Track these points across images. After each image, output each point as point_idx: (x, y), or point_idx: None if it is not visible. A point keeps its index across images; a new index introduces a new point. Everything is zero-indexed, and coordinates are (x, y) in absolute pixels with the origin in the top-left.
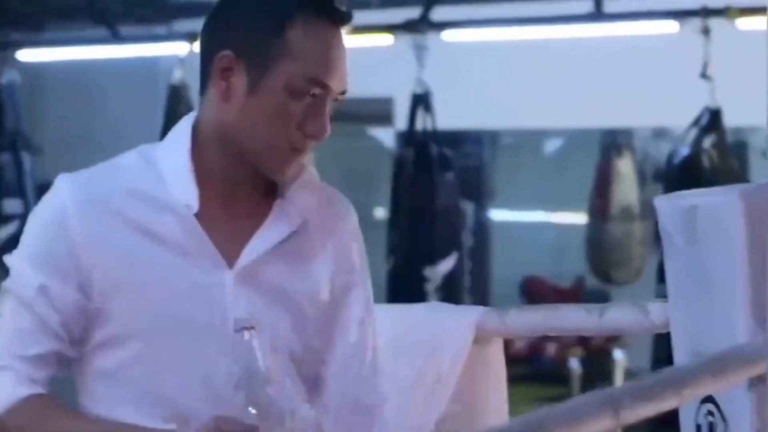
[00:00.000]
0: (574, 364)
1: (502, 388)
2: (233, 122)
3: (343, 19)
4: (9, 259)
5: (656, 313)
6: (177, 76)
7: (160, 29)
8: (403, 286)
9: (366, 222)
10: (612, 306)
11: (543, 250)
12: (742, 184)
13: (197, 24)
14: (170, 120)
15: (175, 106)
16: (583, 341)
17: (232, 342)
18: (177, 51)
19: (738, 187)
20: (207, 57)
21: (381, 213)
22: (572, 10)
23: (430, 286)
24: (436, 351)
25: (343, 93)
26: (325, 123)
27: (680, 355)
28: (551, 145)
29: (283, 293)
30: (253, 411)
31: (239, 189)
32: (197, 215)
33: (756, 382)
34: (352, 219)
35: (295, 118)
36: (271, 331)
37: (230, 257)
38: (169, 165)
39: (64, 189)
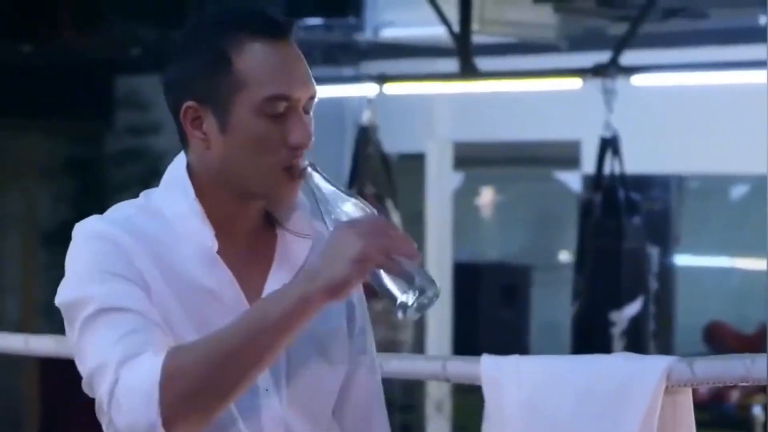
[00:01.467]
0: (757, 411)
1: None
2: (221, 165)
3: (283, 31)
4: (66, 297)
5: None
6: (366, 116)
7: (348, 70)
8: (588, 329)
9: (551, 265)
10: None
11: (727, 296)
12: None
13: (386, 65)
14: (358, 161)
15: (363, 146)
16: (766, 388)
17: (253, 394)
18: (365, 92)
19: None
20: (175, 111)
21: (566, 256)
22: (762, 55)
23: (616, 330)
24: (628, 404)
25: (313, 96)
26: (306, 130)
27: None
28: (738, 191)
29: (307, 333)
30: None
31: (243, 228)
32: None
33: None
34: None
35: (276, 139)
36: (303, 373)
37: (250, 301)
38: (177, 211)
39: (96, 225)
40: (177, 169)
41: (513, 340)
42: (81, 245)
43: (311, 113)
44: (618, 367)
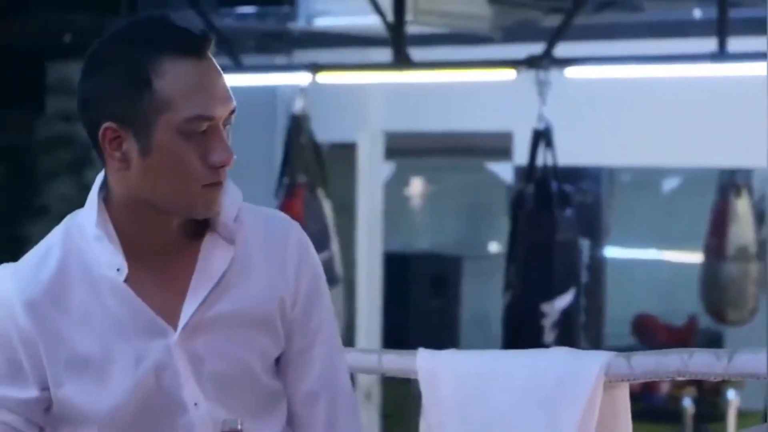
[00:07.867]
0: (687, 403)
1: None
2: (140, 186)
3: (201, 47)
4: None
5: None
6: (299, 105)
7: (281, 59)
8: (519, 321)
9: (482, 255)
10: (741, 351)
11: (656, 289)
12: None
13: (319, 55)
14: (290, 149)
15: (296, 135)
16: (696, 380)
17: (183, 411)
18: (298, 81)
19: None
20: (92, 131)
21: (496, 247)
22: (695, 48)
23: (547, 322)
24: (567, 399)
25: (233, 112)
26: (227, 148)
27: None
28: (669, 184)
29: (230, 340)
30: None
31: (161, 245)
32: (129, 281)
33: None
34: (294, 238)
35: (196, 158)
36: (224, 380)
37: (173, 319)
38: (93, 233)
39: (8, 286)
40: (95, 188)
41: (443, 331)
42: None
43: (230, 125)
44: (556, 362)
